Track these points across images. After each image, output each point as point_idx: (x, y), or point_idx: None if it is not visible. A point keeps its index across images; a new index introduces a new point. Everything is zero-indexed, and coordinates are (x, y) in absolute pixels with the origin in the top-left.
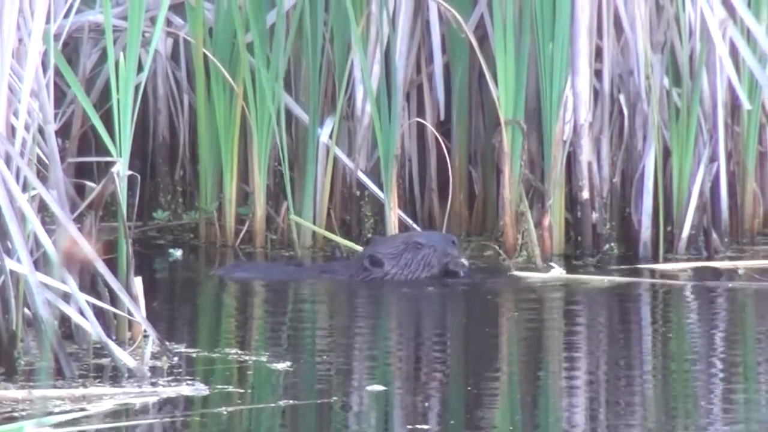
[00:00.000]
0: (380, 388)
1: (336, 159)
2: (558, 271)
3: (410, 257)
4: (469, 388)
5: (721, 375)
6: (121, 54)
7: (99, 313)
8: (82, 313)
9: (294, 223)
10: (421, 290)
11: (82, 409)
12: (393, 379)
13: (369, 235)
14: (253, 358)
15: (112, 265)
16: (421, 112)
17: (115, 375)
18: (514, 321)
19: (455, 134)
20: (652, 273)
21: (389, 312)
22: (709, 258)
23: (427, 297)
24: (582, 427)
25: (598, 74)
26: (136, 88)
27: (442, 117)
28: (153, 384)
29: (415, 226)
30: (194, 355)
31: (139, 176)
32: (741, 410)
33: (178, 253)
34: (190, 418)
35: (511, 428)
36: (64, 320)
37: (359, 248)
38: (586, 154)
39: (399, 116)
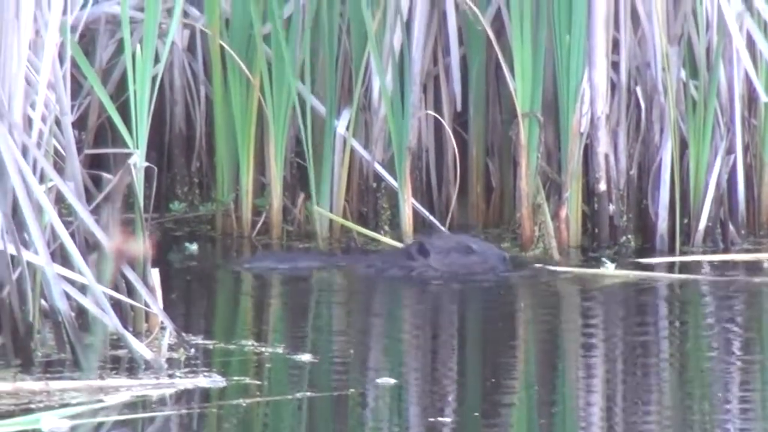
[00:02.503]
0: (395, 380)
1: (353, 151)
2: (610, 267)
3: (457, 258)
4: (488, 381)
5: None
6: (138, 45)
7: (116, 304)
8: (99, 304)
9: (316, 214)
10: (455, 286)
11: (99, 401)
12: (409, 372)
13: (386, 227)
14: (270, 349)
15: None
16: (438, 104)
17: (131, 367)
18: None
19: (472, 126)
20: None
21: (412, 305)
22: (726, 250)
23: (458, 292)
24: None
25: (615, 66)
26: (153, 79)
27: (459, 109)
28: (170, 376)
29: (431, 218)
30: (211, 346)
31: (155, 168)
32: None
33: (193, 246)
34: (207, 410)
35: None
36: (81, 312)
37: (379, 238)
38: (603, 147)
39: (415, 108)
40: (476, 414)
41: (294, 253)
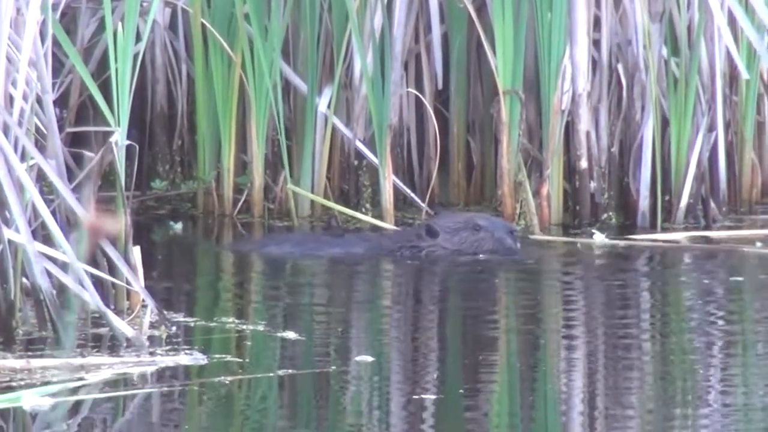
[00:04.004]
0: (372, 358)
1: (334, 128)
2: (600, 237)
3: (466, 236)
4: (467, 361)
5: None
6: (120, 24)
7: (97, 282)
8: (80, 282)
9: (292, 192)
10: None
11: (80, 379)
12: (390, 350)
13: (367, 205)
14: (251, 327)
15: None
16: (419, 82)
17: (113, 344)
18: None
19: (453, 104)
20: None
21: (399, 284)
22: (707, 227)
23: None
24: (582, 397)
25: (596, 44)
26: (135, 57)
27: (440, 87)
28: (151, 353)
29: (413, 195)
30: (192, 324)
31: (137, 146)
32: None
33: (178, 225)
34: (188, 388)
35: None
36: (62, 289)
37: (359, 216)
38: (584, 124)
39: (396, 86)
40: (461, 391)
41: (304, 235)
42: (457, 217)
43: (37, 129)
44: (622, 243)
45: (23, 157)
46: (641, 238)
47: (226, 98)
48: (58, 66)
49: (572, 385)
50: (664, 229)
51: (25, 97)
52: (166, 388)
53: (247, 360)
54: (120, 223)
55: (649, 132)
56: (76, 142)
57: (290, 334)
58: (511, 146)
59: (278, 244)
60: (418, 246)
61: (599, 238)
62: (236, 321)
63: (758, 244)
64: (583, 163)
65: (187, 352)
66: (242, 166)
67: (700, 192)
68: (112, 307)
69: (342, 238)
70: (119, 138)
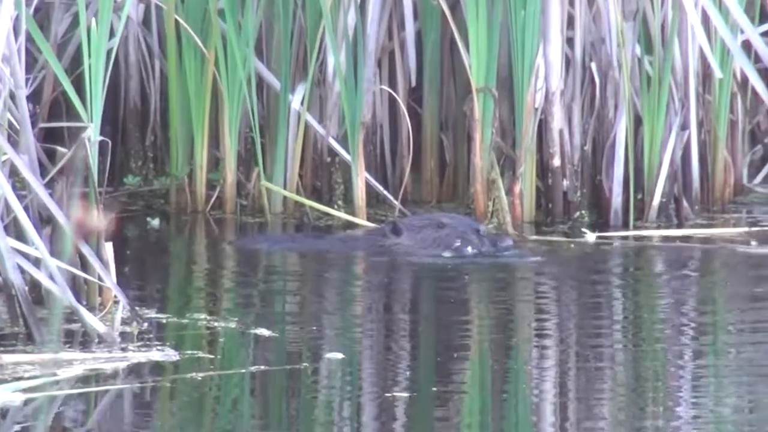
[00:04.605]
0: (344, 355)
1: (307, 125)
2: (591, 237)
3: (429, 233)
4: (440, 358)
5: None
6: (93, 20)
7: (70, 278)
8: (52, 278)
9: (265, 189)
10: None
11: (53, 375)
12: (362, 347)
13: (339, 202)
14: (223, 324)
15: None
16: (392, 79)
17: (85, 340)
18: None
19: (426, 101)
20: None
21: (371, 282)
22: (679, 226)
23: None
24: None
25: (570, 42)
26: (108, 53)
27: (413, 84)
28: (123, 349)
29: (385, 193)
30: (164, 320)
31: (110, 142)
32: None
33: (155, 221)
34: (160, 384)
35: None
36: (35, 285)
37: (332, 212)
38: (557, 122)
39: (370, 83)
40: (434, 389)
41: (283, 234)
42: (422, 216)
43: (10, 124)
44: (616, 242)
45: None
46: (633, 235)
47: (199, 94)
48: (32, 61)
49: (544, 381)
50: (637, 228)
51: None
52: (138, 384)
53: (219, 357)
54: (105, 221)
55: (622, 130)
56: (49, 137)
57: (262, 331)
58: (484, 144)
59: (263, 242)
60: (382, 244)
61: (591, 237)
62: (208, 318)
63: (753, 243)
64: (556, 161)
65: (158, 348)
66: (215, 163)
67: (672, 191)
68: (85, 303)
69: (321, 239)
70: (92, 134)
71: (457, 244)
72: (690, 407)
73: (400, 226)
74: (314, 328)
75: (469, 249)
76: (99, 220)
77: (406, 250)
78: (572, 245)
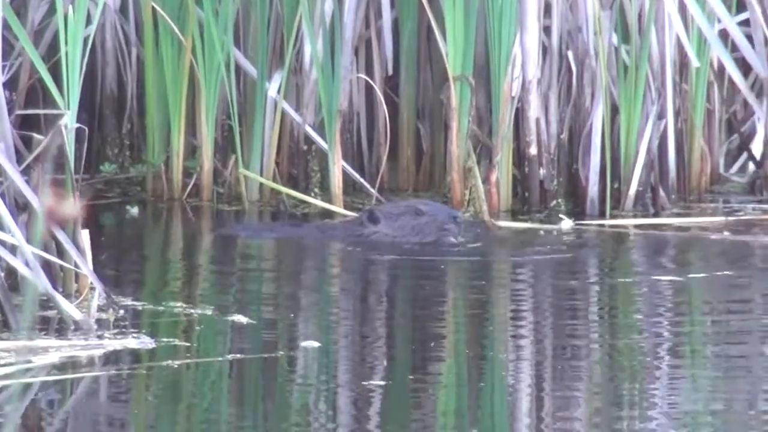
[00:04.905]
0: (318, 344)
1: (284, 113)
2: (568, 223)
3: (407, 221)
4: (414, 346)
5: None
6: (70, 7)
7: (46, 265)
8: (28, 265)
9: (243, 176)
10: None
11: (28, 362)
12: (337, 335)
13: (316, 190)
14: (200, 311)
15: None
16: (369, 67)
17: (61, 327)
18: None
19: (403, 90)
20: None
21: (345, 271)
22: (656, 215)
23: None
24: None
25: (546, 30)
26: (85, 40)
27: (390, 72)
28: (99, 337)
29: (362, 181)
30: (140, 308)
31: (86, 129)
32: None
33: (134, 209)
34: (136, 371)
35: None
36: (11, 272)
37: (309, 200)
38: (534, 111)
39: (346, 71)
40: (411, 377)
41: (264, 223)
42: (400, 203)
43: None
44: (593, 228)
45: None
46: (611, 224)
47: (175, 82)
48: (8, 48)
49: (520, 369)
50: (613, 216)
51: None
52: (113, 372)
53: (195, 344)
54: (77, 208)
55: (598, 119)
56: (25, 124)
57: (239, 318)
58: (461, 132)
59: (244, 231)
60: (360, 233)
61: (567, 224)
62: (185, 305)
63: (725, 233)
64: (533, 150)
65: (134, 335)
66: (191, 150)
67: (649, 179)
68: (61, 290)
69: (300, 227)
70: (69, 121)
71: (440, 234)
72: (667, 379)
73: (377, 214)
74: (291, 315)
75: (451, 239)
76: (71, 206)
77: (384, 239)
78: (553, 233)
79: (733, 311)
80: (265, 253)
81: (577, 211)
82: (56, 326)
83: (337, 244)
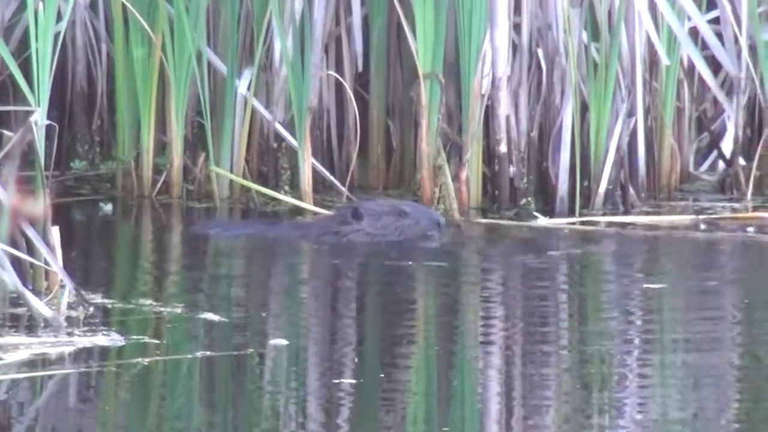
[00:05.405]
0: (288, 342)
1: (254, 110)
2: (543, 221)
3: (390, 221)
4: (385, 344)
5: None
6: (41, 3)
7: (16, 262)
8: None
9: (214, 173)
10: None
11: None
12: (307, 333)
13: (286, 188)
14: (169, 309)
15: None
16: (339, 64)
17: (31, 325)
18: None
19: (373, 87)
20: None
21: (315, 268)
22: (626, 213)
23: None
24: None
25: (516, 28)
26: (55, 37)
27: (360, 69)
28: (69, 334)
29: (332, 178)
30: (110, 305)
31: (56, 126)
32: None
33: (108, 207)
34: (105, 369)
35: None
36: None
37: (279, 197)
38: (504, 108)
39: (317, 68)
40: (381, 375)
41: (239, 220)
42: (383, 202)
43: None
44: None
45: None
46: (580, 221)
47: (145, 78)
48: None
49: (490, 365)
50: (583, 215)
51: None
52: (83, 369)
53: (165, 342)
54: (41, 204)
55: (568, 117)
56: None
57: (209, 316)
58: (431, 130)
59: (219, 228)
60: (341, 231)
61: (543, 221)
62: (155, 303)
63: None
64: (503, 148)
65: (104, 333)
66: (161, 147)
67: (619, 178)
68: (31, 287)
69: (277, 225)
70: (39, 117)
71: (422, 238)
72: (639, 367)
73: (361, 211)
74: (263, 314)
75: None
76: (38, 203)
77: (364, 238)
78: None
79: (705, 318)
80: (236, 250)
81: (547, 210)
82: (26, 323)
83: (313, 243)
